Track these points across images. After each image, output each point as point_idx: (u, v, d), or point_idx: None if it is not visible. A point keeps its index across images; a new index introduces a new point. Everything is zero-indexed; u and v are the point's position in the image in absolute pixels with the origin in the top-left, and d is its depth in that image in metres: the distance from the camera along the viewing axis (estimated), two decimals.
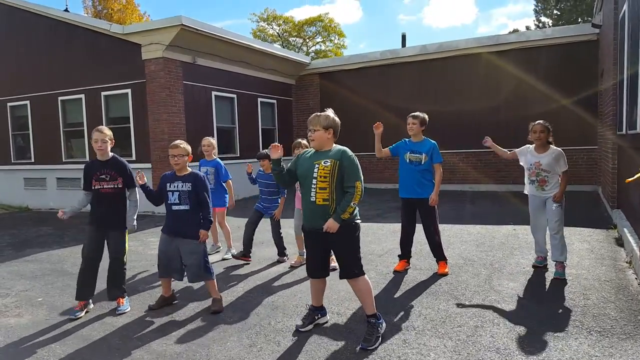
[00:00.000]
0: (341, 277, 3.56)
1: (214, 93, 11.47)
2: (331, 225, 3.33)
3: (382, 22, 68.79)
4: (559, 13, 36.87)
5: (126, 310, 4.32)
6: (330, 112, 3.52)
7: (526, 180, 4.98)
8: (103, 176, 4.28)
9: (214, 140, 6.18)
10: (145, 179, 4.30)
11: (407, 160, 4.99)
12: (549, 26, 36.13)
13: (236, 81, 12.22)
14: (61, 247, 7.30)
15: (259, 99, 13.23)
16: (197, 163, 6.35)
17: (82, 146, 11.44)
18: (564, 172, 4.75)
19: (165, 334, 3.77)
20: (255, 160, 5.95)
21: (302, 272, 5.34)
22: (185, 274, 4.26)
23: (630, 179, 3.38)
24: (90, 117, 11.09)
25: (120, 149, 10.87)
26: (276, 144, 3.61)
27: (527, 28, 38.71)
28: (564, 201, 4.77)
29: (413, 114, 5.03)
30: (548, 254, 5.02)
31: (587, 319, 3.67)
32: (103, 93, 10.80)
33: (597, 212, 8.34)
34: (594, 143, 11.36)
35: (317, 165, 3.42)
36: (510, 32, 31.82)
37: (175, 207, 4.15)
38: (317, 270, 3.66)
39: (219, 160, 6.12)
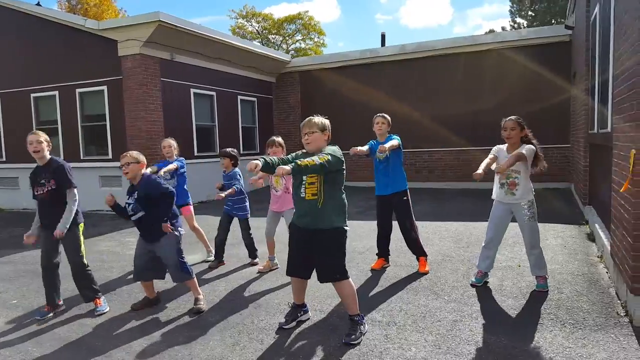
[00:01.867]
0: (322, 281, 3.56)
1: (192, 90, 11.36)
2: (283, 168, 2.98)
3: (359, 21, 69.23)
4: (533, 14, 37.58)
5: (105, 311, 4.27)
6: (320, 117, 3.59)
7: (495, 184, 4.48)
8: (42, 181, 4.10)
9: (173, 141, 5.94)
10: (113, 200, 4.05)
11: (377, 160, 5.06)
12: (524, 27, 36.89)
13: (216, 79, 12.13)
14: (36, 249, 7.03)
15: (239, 97, 13.17)
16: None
17: (57, 144, 11.17)
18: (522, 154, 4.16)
19: (146, 334, 3.74)
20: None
21: (282, 271, 5.34)
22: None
23: (623, 188, 3.48)
24: (64, 114, 10.87)
25: (97, 148, 10.73)
26: (253, 162, 3.23)
27: (503, 29, 39.39)
28: (535, 209, 4.32)
29: (382, 114, 5.06)
30: (491, 268, 4.64)
31: (561, 312, 3.79)
32: (78, 90, 10.59)
33: (570, 208, 8.57)
34: (567, 142, 11.66)
35: None
36: (486, 33, 32.36)
37: (134, 218, 4.08)
38: (298, 269, 3.62)
39: (181, 159, 5.89)
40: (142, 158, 4.09)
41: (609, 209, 5.54)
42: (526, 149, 4.19)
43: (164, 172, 5.59)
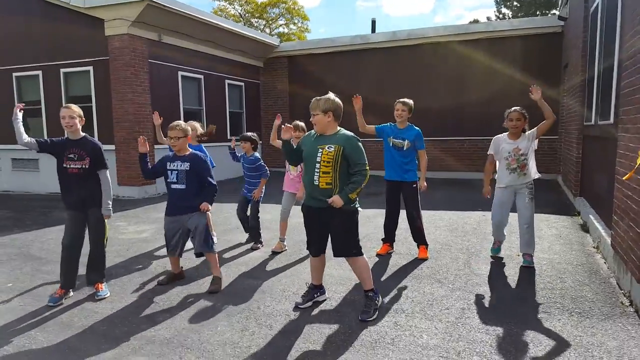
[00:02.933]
0: (338, 255, 3.65)
1: (180, 73, 11.10)
2: (337, 200, 3.40)
3: (341, 8, 68.66)
4: (518, 5, 37.83)
5: (106, 296, 4.15)
6: (330, 95, 3.55)
7: (503, 171, 4.72)
8: (71, 155, 4.00)
9: (198, 125, 5.93)
10: (146, 146, 4.16)
11: (390, 145, 5.02)
12: (509, 17, 37.12)
13: (203, 61, 11.87)
14: (24, 231, 6.92)
15: (227, 81, 12.93)
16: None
17: (40, 126, 10.80)
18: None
19: (152, 320, 3.65)
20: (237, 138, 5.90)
21: (284, 257, 5.30)
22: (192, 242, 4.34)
23: (627, 176, 3.50)
24: (48, 95, 10.50)
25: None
26: (289, 125, 3.66)
27: (488, 19, 39.57)
28: (534, 191, 4.71)
29: (403, 100, 5.02)
30: (504, 240, 5.09)
31: (567, 301, 3.82)
32: (62, 70, 10.23)
33: (560, 199, 8.69)
34: (554, 133, 11.79)
35: (320, 150, 3.48)
36: (470, 22, 32.45)
37: (173, 186, 4.19)
38: (314, 246, 3.72)
39: (200, 145, 5.88)
40: (189, 130, 4.28)
41: (604, 201, 5.62)
42: (530, 135, 4.68)
43: None
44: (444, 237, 6.03)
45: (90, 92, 10.00)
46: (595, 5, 6.45)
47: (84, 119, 4.15)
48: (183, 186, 4.16)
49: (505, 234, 5.07)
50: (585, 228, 6.35)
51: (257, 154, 5.74)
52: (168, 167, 4.20)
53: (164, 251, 5.64)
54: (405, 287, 4.24)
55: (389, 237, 5.30)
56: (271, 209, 7.42)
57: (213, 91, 12.31)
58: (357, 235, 3.62)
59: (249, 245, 5.74)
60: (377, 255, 5.23)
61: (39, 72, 10.51)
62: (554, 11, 35.76)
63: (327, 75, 13.76)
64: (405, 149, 4.96)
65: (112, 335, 3.40)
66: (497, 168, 4.89)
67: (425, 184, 5.10)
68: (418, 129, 5.04)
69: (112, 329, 3.52)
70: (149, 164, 4.28)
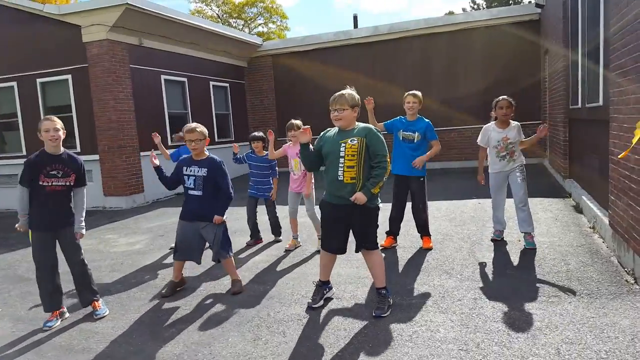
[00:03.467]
0: (361, 249, 3.66)
1: (163, 77, 10.90)
2: (360, 197, 3.39)
3: (318, 6, 68.42)
4: None
5: (105, 314, 4.01)
6: (352, 90, 3.57)
7: (493, 158, 4.96)
8: (54, 172, 3.74)
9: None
10: (157, 161, 4.12)
11: (400, 138, 5.02)
12: (484, 8, 37.45)
13: (186, 64, 11.69)
14: (9, 251, 6.72)
15: (211, 83, 12.76)
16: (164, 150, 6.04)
17: (17, 139, 10.52)
18: (522, 141, 4.98)
19: (158, 336, 3.55)
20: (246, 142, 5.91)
21: (287, 259, 5.25)
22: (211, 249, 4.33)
23: (622, 155, 3.53)
24: (25, 106, 10.22)
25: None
26: (307, 127, 3.59)
27: (463, 10, 39.89)
28: (525, 171, 4.96)
29: (414, 92, 5.01)
30: (505, 227, 5.26)
31: (574, 283, 3.86)
32: (39, 80, 9.96)
33: (549, 182, 8.80)
34: (537, 118, 11.93)
35: (343, 144, 3.46)
36: (446, 14, 32.66)
37: (190, 192, 4.14)
38: (334, 244, 3.68)
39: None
40: (207, 133, 4.20)
41: (596, 181, 5.70)
42: (519, 128, 4.92)
43: None
44: (444, 227, 6.05)
45: (70, 102, 9.76)
46: None
47: (65, 131, 3.92)
48: (200, 192, 4.10)
49: (505, 221, 5.15)
50: (578, 209, 6.44)
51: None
52: (184, 172, 4.12)
53: (161, 262, 5.55)
54: (414, 281, 4.23)
55: (395, 229, 5.30)
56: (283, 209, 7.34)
57: (198, 94, 12.14)
58: (376, 230, 3.65)
59: (251, 250, 5.71)
60: (381, 248, 5.20)
61: (14, 83, 10.22)
62: (526, 0, 36.29)
63: (312, 72, 13.69)
64: (415, 141, 4.97)
65: (118, 356, 3.29)
66: (487, 155, 5.08)
67: (420, 162, 4.98)
68: (428, 120, 5.05)
69: (116, 349, 3.41)
70: (165, 174, 4.23)
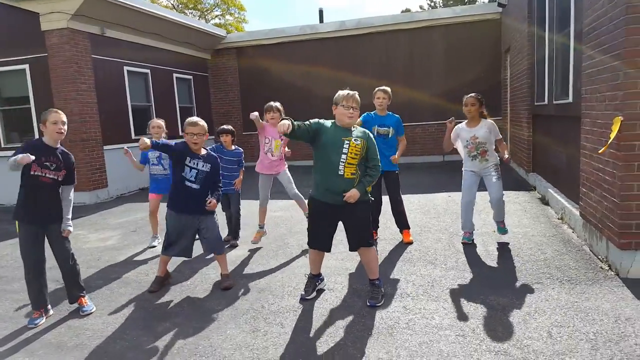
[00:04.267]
0: (355, 249, 3.68)
1: (126, 68, 10.52)
2: (354, 194, 3.45)
3: None
4: None
5: (92, 311, 3.89)
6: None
7: (465, 158, 4.94)
8: (48, 163, 3.67)
9: (162, 122, 5.73)
10: (149, 147, 3.79)
11: (376, 134, 5.02)
12: (440, 6, 38.39)
13: (149, 55, 11.33)
14: None
15: (175, 75, 12.44)
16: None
17: None
18: (499, 140, 4.88)
19: (152, 331, 3.48)
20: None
21: (271, 253, 5.24)
22: (202, 247, 4.37)
23: (602, 150, 3.75)
24: None
25: (21, 134, 9.68)
26: (285, 123, 3.27)
27: (421, 7, 40.73)
28: (499, 169, 4.89)
29: (383, 88, 5.06)
30: (474, 229, 5.13)
31: (553, 270, 4.07)
32: None
33: (512, 176, 9.19)
34: (497, 114, 12.39)
35: (347, 142, 3.49)
36: (403, 11, 33.18)
37: (188, 183, 4.03)
38: (324, 243, 3.71)
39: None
40: (207, 128, 4.16)
41: (563, 175, 6.01)
42: (491, 127, 4.82)
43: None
44: (420, 220, 6.21)
45: (28, 93, 9.26)
46: None
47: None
48: (198, 187, 4.05)
49: (474, 223, 5.10)
50: (544, 201, 6.76)
51: (239, 148, 5.63)
52: (187, 163, 4.01)
53: (138, 257, 5.41)
54: (401, 272, 4.33)
55: (374, 224, 5.37)
56: (250, 204, 7.26)
57: (161, 86, 11.80)
58: (370, 226, 3.70)
59: (226, 244, 5.59)
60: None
61: None
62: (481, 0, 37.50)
63: (277, 66, 13.66)
64: (390, 136, 5.03)
65: (114, 352, 3.20)
66: (461, 153, 5.08)
67: (397, 157, 5.09)
68: (397, 116, 5.12)
69: (111, 345, 3.31)
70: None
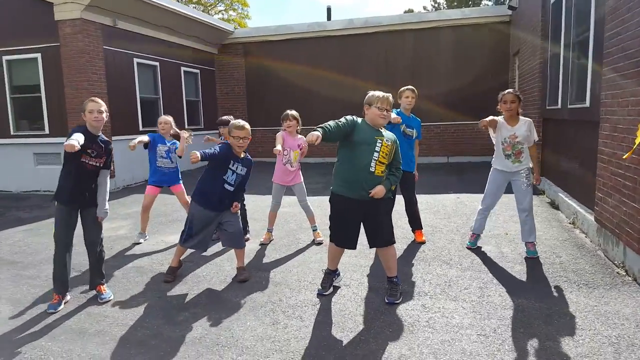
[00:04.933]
0: (379, 246, 3.68)
1: (136, 60, 10.52)
2: (380, 190, 3.49)
3: None
4: None
5: (110, 298, 3.91)
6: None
7: (499, 155, 4.63)
8: (89, 150, 3.73)
9: (170, 118, 5.72)
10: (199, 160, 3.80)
11: (403, 133, 4.96)
12: (444, 7, 38.37)
13: (158, 48, 11.33)
14: None
15: (182, 68, 12.43)
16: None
17: None
18: (535, 141, 4.59)
19: (172, 320, 3.49)
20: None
21: (283, 247, 5.24)
22: (221, 240, 4.46)
23: (627, 155, 3.75)
24: None
25: (30, 122, 9.67)
26: (315, 134, 3.21)
27: (425, 8, 40.72)
28: (531, 177, 4.63)
29: (411, 87, 5.03)
30: (482, 232, 5.00)
31: (570, 275, 4.08)
32: (5, 57, 9.36)
33: None
34: None
35: (380, 141, 3.53)
36: (406, 11, 33.12)
37: (226, 185, 4.09)
38: (349, 241, 3.68)
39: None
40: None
41: (576, 179, 6.02)
42: (530, 126, 4.52)
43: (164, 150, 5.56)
44: (430, 220, 6.22)
45: (39, 81, 9.25)
46: None
47: (108, 113, 3.91)
48: (232, 189, 4.14)
49: (483, 226, 4.95)
50: (554, 205, 6.78)
51: None
52: (231, 166, 4.08)
53: (152, 247, 5.42)
54: (417, 271, 4.34)
55: None
56: (256, 199, 7.28)
57: (169, 79, 11.80)
58: (392, 224, 3.74)
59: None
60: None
61: None
62: (485, 2, 37.51)
63: (284, 62, 13.64)
64: (413, 137, 5.03)
65: (136, 340, 3.21)
66: (495, 150, 4.75)
67: (416, 172, 5.22)
68: (419, 119, 5.13)
69: (132, 333, 3.32)
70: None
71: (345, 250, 4.28)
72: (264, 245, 5.36)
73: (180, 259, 4.44)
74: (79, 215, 3.90)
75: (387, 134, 3.63)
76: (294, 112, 5.23)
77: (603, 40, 4.74)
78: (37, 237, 6.02)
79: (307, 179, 5.70)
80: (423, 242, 5.20)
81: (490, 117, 4.47)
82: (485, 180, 4.81)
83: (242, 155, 4.15)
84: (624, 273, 4.04)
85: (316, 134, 3.17)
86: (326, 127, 3.30)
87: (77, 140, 3.41)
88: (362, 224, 3.67)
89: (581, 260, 4.44)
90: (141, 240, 5.68)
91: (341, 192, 3.59)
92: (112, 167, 4.07)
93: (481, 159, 12.20)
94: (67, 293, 3.91)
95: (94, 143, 3.76)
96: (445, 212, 6.73)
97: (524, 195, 4.56)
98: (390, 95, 3.62)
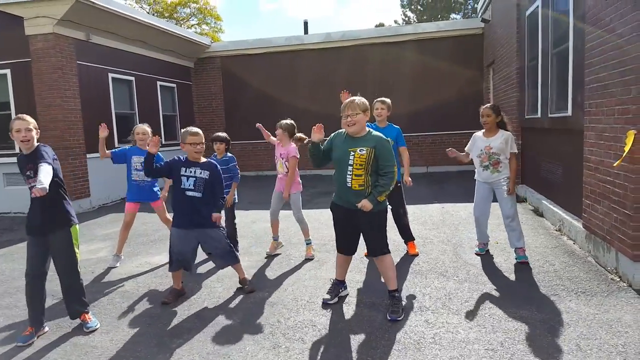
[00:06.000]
0: (370, 255, 3.76)
1: (111, 75, 10.26)
2: (366, 204, 3.44)
3: (243, 9, 67.88)
4: (422, 9, 40.00)
5: (96, 327, 3.69)
6: (359, 96, 3.64)
7: (478, 168, 4.88)
8: (29, 172, 3.45)
9: (149, 128, 5.52)
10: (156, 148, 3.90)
11: None
12: (415, 21, 39.17)
13: (134, 62, 11.09)
14: None
15: (159, 83, 12.19)
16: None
17: None
18: (513, 153, 4.71)
19: (166, 348, 3.31)
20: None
21: (276, 265, 5.11)
22: (214, 263, 4.41)
23: (617, 163, 3.81)
24: None
25: (3, 139, 9.25)
26: (320, 124, 3.58)
27: (395, 22, 41.45)
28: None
29: (382, 99, 5.06)
30: (489, 240, 5.13)
31: (566, 282, 4.10)
32: None
33: None
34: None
35: (352, 153, 3.50)
36: (377, 25, 33.61)
37: (189, 193, 4.01)
38: (345, 247, 3.82)
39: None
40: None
41: (559, 187, 6.11)
42: (507, 139, 4.72)
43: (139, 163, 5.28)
44: (419, 231, 6.18)
45: (9, 98, 8.89)
46: (534, 7, 6.97)
47: (39, 130, 3.58)
48: (199, 194, 4.04)
49: (489, 234, 5.09)
50: (538, 213, 6.86)
51: (231, 155, 5.47)
52: (183, 173, 4.01)
53: (136, 269, 5.20)
54: (414, 284, 4.28)
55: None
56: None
57: (145, 93, 11.54)
58: (385, 233, 3.69)
59: None
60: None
61: None
62: (453, 15, 38.48)
63: (262, 76, 13.59)
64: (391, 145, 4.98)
65: None
66: (475, 163, 5.02)
67: (409, 178, 5.14)
68: (397, 127, 5.12)
69: None
70: (155, 164, 4.00)
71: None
72: (270, 256, 5.40)
73: (181, 280, 4.32)
74: (48, 239, 3.59)
75: (366, 141, 3.51)
76: (282, 122, 5.27)
77: (584, 51, 4.85)
78: (10, 263, 5.72)
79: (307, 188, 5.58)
80: (416, 255, 5.15)
81: (458, 155, 4.83)
82: (466, 189, 4.97)
83: (201, 160, 4.11)
84: (618, 279, 4.07)
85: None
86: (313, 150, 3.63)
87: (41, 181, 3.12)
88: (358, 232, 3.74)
89: (574, 267, 4.47)
90: (117, 264, 5.37)
91: (337, 201, 3.72)
92: (45, 159, 3.40)
93: (459, 168, 12.34)
94: (44, 324, 3.67)
95: (30, 163, 3.44)
96: (432, 222, 6.72)
97: (506, 203, 4.74)
98: (355, 99, 3.57)
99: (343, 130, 3.67)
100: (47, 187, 3.13)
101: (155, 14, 37.76)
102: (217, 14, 39.46)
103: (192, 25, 39.00)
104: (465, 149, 5.04)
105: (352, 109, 3.51)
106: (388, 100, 5.10)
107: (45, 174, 3.24)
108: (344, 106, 3.56)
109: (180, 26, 38.15)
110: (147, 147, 3.95)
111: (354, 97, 3.60)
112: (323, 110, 12.65)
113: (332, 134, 3.75)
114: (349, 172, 3.50)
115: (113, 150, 5.41)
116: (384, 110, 5.03)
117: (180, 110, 13.28)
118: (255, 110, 13.45)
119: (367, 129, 3.62)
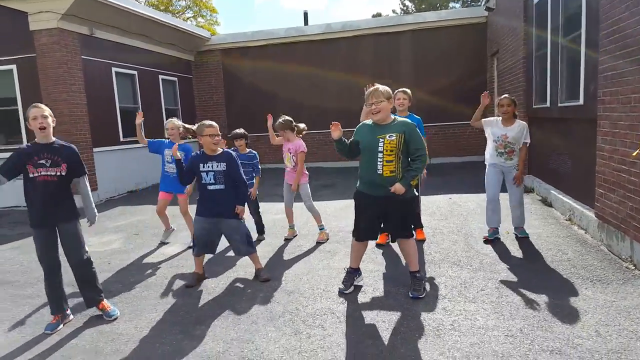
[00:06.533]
0: (397, 238, 3.83)
1: (114, 69, 10.23)
2: (399, 188, 3.52)
3: (238, 0, 67.47)
4: None
5: (117, 315, 3.74)
6: (382, 86, 3.67)
7: (491, 152, 5.08)
8: (42, 161, 3.48)
9: (178, 122, 5.55)
10: (179, 154, 4.11)
11: None
12: (413, 10, 38.97)
13: (136, 56, 11.04)
14: None
15: (160, 77, 12.16)
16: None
17: None
18: (525, 144, 4.99)
19: (190, 334, 3.35)
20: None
21: (286, 253, 5.14)
22: (233, 250, 4.41)
23: (635, 153, 3.81)
24: None
25: (6, 136, 9.27)
26: (335, 122, 3.63)
27: (394, 11, 41.24)
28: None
29: (403, 89, 5.10)
30: (500, 224, 5.23)
31: (581, 271, 4.12)
32: None
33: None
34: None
35: (382, 140, 3.55)
36: (374, 15, 33.51)
37: (211, 187, 4.09)
38: (370, 234, 3.87)
39: (187, 145, 5.55)
40: None
41: (569, 177, 6.12)
42: (523, 129, 4.98)
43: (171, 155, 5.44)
44: (428, 222, 6.20)
45: (15, 94, 8.88)
46: None
47: (55, 119, 3.66)
48: (222, 186, 4.09)
49: (500, 219, 5.18)
50: (547, 203, 6.88)
51: (254, 152, 5.71)
52: (201, 169, 4.07)
53: (152, 259, 5.24)
54: (429, 273, 4.30)
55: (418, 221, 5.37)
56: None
57: (147, 88, 11.51)
58: (414, 219, 3.82)
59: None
60: (377, 245, 5.21)
61: None
62: (452, 4, 38.26)
63: (262, 68, 13.54)
64: None
65: (157, 357, 3.07)
66: (487, 146, 5.23)
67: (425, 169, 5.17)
68: (419, 117, 5.13)
69: (151, 349, 3.18)
70: (185, 168, 4.17)
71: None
72: (287, 240, 5.67)
73: (203, 265, 4.48)
74: (57, 233, 3.65)
75: (395, 127, 3.59)
76: (278, 122, 5.43)
77: (598, 39, 4.84)
78: (27, 254, 5.75)
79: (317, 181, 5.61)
80: (424, 240, 5.21)
81: (482, 106, 5.03)
82: (471, 180, 5.07)
83: (217, 153, 4.14)
84: (633, 267, 4.10)
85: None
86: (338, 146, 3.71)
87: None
88: (382, 219, 3.79)
89: (587, 256, 4.49)
90: (168, 240, 5.92)
91: (362, 189, 3.77)
92: (85, 171, 3.78)
93: (462, 159, 12.40)
94: (69, 312, 3.73)
95: (45, 151, 3.49)
96: (441, 213, 6.74)
97: (514, 191, 5.04)
98: (379, 87, 3.63)
99: (369, 120, 3.75)
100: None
101: (151, 7, 37.63)
102: (212, 6, 39.23)
103: (187, 18, 38.82)
104: (484, 120, 5.19)
105: (376, 96, 3.57)
106: (409, 91, 5.16)
107: (89, 201, 3.77)
108: (368, 94, 3.62)
109: (177, 19, 38.19)
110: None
111: (377, 85, 3.66)
112: (323, 101, 12.70)
113: (357, 126, 3.84)
114: (379, 159, 3.55)
115: (150, 140, 5.66)
116: (406, 100, 5.10)
117: (182, 104, 13.25)
118: (256, 103, 13.42)
119: (393, 116, 3.69)
